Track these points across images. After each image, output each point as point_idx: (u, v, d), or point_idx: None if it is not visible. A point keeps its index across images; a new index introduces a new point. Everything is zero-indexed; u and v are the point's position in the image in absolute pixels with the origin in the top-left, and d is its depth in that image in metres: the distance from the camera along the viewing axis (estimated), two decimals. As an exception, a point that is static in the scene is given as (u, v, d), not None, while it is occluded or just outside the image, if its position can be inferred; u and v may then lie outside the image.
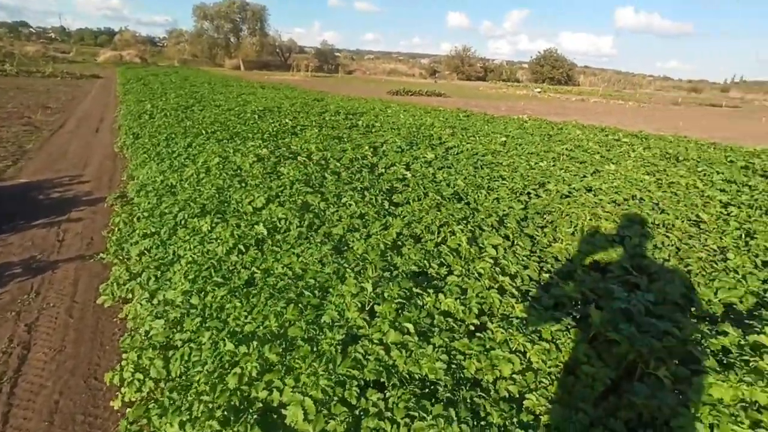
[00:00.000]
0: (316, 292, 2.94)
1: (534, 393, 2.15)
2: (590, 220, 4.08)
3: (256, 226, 3.95)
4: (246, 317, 2.83)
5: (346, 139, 7.79)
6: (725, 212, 4.64)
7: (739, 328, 2.50)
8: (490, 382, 2.25)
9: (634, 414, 2.08)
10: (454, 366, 2.32)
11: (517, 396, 2.16)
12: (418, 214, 4.09)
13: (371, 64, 74.80)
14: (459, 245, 3.41)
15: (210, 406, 2.10)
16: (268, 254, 3.59)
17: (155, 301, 3.41)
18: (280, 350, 2.43)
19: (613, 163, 6.58)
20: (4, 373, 2.90)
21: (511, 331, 2.45)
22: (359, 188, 4.89)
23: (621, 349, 2.34)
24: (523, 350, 2.37)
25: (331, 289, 2.89)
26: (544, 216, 4.21)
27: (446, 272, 3.15)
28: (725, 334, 2.45)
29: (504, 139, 8.37)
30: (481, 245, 3.41)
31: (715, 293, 3.02)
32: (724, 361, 2.29)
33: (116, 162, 8.33)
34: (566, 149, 7.51)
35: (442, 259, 3.27)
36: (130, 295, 3.74)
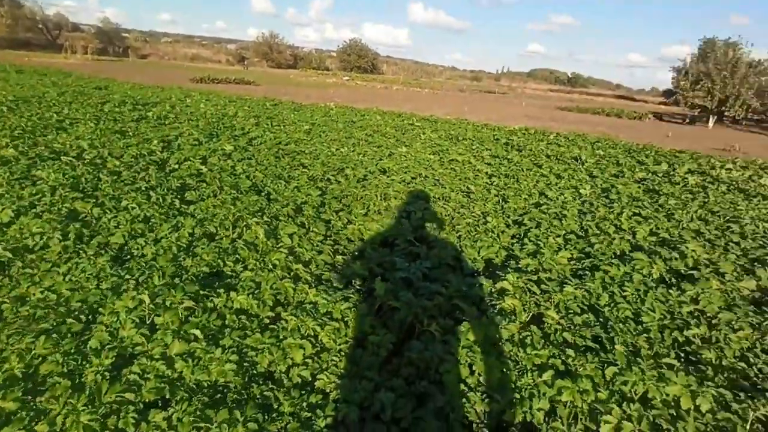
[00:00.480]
0: (82, 315, 2.52)
1: (325, 372, 2.22)
2: (382, 200, 4.41)
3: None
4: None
5: (131, 134, 6.85)
6: (489, 182, 5.55)
7: (491, 279, 3.03)
8: (283, 372, 2.24)
9: (413, 369, 2.34)
10: (246, 364, 2.25)
11: (310, 379, 2.21)
12: (212, 211, 3.84)
13: (169, 48, 67.21)
14: (256, 238, 3.32)
15: None
16: (21, 279, 2.92)
17: None
18: (20, 395, 2.00)
19: (405, 146, 7.26)
20: None
21: (302, 317, 2.49)
22: (143, 188, 4.35)
23: (401, 314, 2.59)
24: (314, 334, 2.43)
25: (101, 309, 2.51)
26: (341, 200, 4.40)
27: (242, 268, 3.03)
28: (481, 285, 2.93)
29: (308, 127, 8.46)
30: (278, 236, 3.37)
31: (478, 252, 3.59)
32: (480, 308, 2.74)
33: None
34: (366, 134, 7.99)
35: (237, 255, 3.14)
36: None
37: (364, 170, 5.42)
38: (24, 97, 9.85)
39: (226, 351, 2.25)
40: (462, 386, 2.22)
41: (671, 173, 7.21)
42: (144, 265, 3.05)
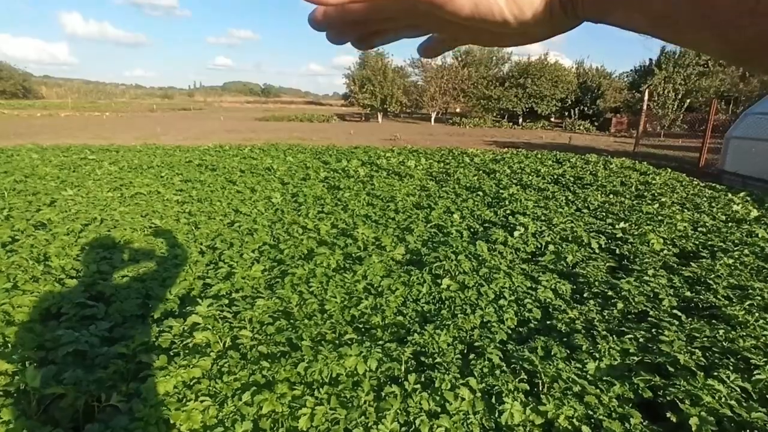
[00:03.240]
0: None
1: None
2: (39, 263, 3.59)
3: None
4: None
5: None
6: (181, 210, 5.26)
7: (181, 317, 2.88)
8: None
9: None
10: None
11: None
12: None
13: None
14: None
15: None
16: None
17: None
18: None
19: (74, 188, 6.11)
20: None
21: None
22: None
23: (68, 399, 2.17)
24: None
25: None
26: (-28, 279, 3.36)
27: None
28: (171, 327, 2.75)
29: None
30: None
31: (170, 291, 3.35)
32: (170, 353, 2.57)
33: None
34: (13, 181, 6.34)
35: None
36: None
37: (10, 231, 4.29)
38: None
39: None
40: (159, 448, 2.03)
41: (347, 168, 8.48)
42: None
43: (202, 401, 2.25)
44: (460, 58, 37.40)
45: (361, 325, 3.02)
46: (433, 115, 35.04)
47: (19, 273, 3.38)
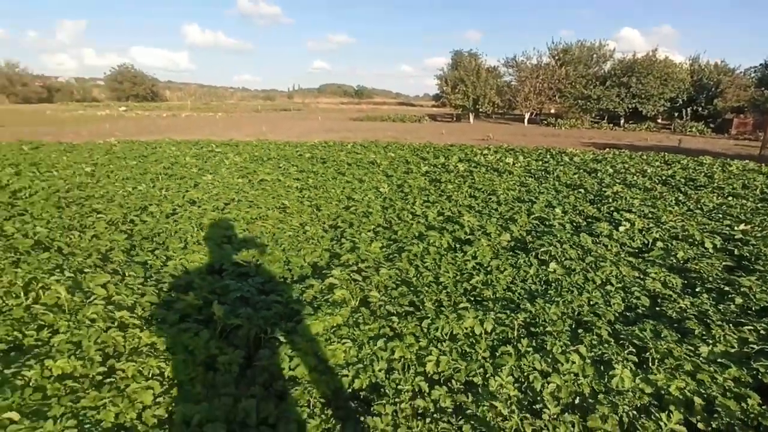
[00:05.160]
0: None
1: (182, 404, 2.23)
2: (199, 230, 4.35)
3: None
4: None
5: None
6: (301, 195, 5.92)
7: (319, 279, 3.37)
8: (134, 419, 2.17)
9: (268, 374, 2.51)
10: (88, 425, 2.10)
11: (167, 415, 2.20)
12: (-13, 282, 3.24)
13: None
14: (59, 298, 2.97)
15: None
16: None
17: None
18: None
19: (210, 173, 7.11)
20: None
21: (141, 360, 2.42)
22: None
23: (244, 329, 2.73)
24: (160, 372, 2.40)
25: None
26: (153, 239, 4.19)
27: (49, 334, 2.70)
28: (311, 286, 3.25)
29: (90, 168, 7.52)
30: (86, 290, 3.08)
31: (304, 259, 3.90)
32: (315, 305, 3.06)
33: None
34: (164, 168, 7.51)
35: (40, 321, 2.77)
36: None
37: (171, 205, 5.19)
38: None
39: (59, 420, 2.06)
40: (314, 373, 2.50)
41: (447, 164, 8.77)
42: None
43: (343, 343, 2.69)
44: (557, 57, 35.85)
45: (472, 298, 3.31)
46: (527, 116, 34.05)
47: (188, 236, 4.14)
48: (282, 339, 2.68)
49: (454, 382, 2.46)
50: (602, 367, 2.51)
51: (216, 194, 5.77)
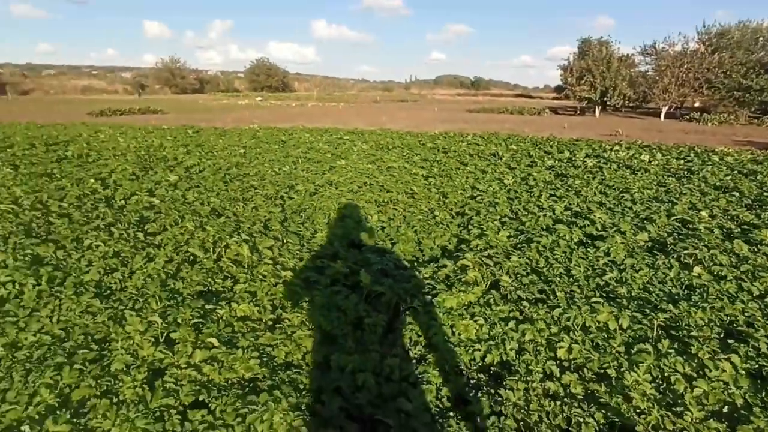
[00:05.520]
0: (92, 345, 2.68)
1: (337, 353, 2.62)
2: (340, 208, 4.84)
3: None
4: (-4, 409, 2.36)
5: (59, 175, 6.61)
6: (427, 183, 6.19)
7: (451, 260, 3.59)
8: (300, 359, 2.61)
9: (407, 339, 2.81)
10: (265, 358, 2.58)
11: (322, 360, 2.60)
12: (182, 238, 4.03)
13: (54, 81, 61.83)
14: (237, 255, 3.60)
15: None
16: (6, 327, 2.96)
17: None
18: (68, 418, 2.19)
19: (343, 159, 7.73)
20: None
21: (304, 313, 2.86)
22: (102, 226, 4.39)
23: (387, 297, 3.06)
24: (318, 324, 2.82)
25: (114, 334, 2.69)
26: (301, 213, 4.77)
27: (231, 283, 3.31)
28: (445, 266, 3.48)
29: (242, 150, 8.63)
30: (258, 251, 3.68)
31: (434, 241, 4.15)
32: (448, 283, 3.28)
33: None
34: (302, 152, 8.33)
35: (225, 273, 3.41)
36: None
37: (313, 185, 5.81)
38: None
39: (246, 350, 2.57)
40: (448, 344, 2.73)
41: (573, 159, 8.39)
42: (135, 293, 3.22)
43: (476, 320, 2.88)
44: (707, 42, 31.27)
45: (605, 293, 3.26)
46: (664, 110, 30.42)
47: (330, 213, 4.64)
48: (420, 309, 2.95)
49: (585, 370, 2.50)
50: (760, 382, 2.36)
51: (350, 178, 6.30)
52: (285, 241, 3.93)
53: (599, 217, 4.57)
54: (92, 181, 6.08)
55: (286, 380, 2.41)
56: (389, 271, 3.45)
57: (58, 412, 2.20)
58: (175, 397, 2.28)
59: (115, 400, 2.30)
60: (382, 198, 5.27)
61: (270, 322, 2.92)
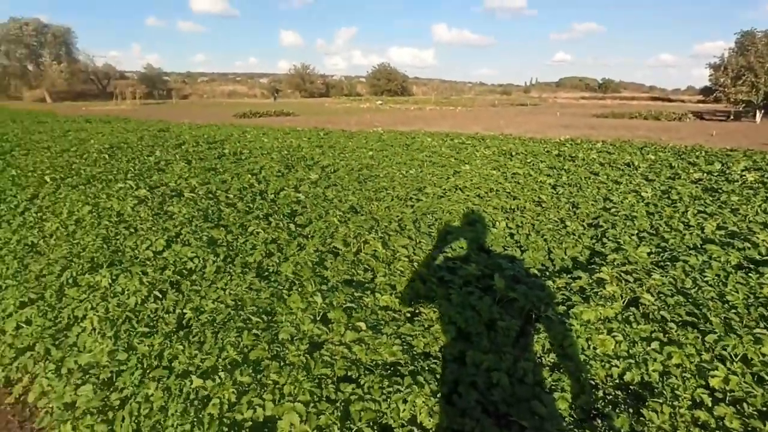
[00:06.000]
0: (263, 317, 3.18)
1: (471, 350, 2.79)
2: (469, 212, 4.99)
3: (165, 271, 3.93)
4: (195, 356, 2.94)
5: (221, 170, 7.75)
6: (555, 192, 6.04)
7: (586, 272, 3.53)
8: (437, 351, 2.82)
9: (540, 346, 2.86)
10: (406, 347, 2.84)
11: (458, 355, 2.78)
12: (327, 231, 4.52)
13: (207, 87, 71.41)
14: (375, 251, 3.95)
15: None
16: (191, 294, 3.64)
17: (64, 371, 3.18)
18: (250, 372, 2.66)
19: (466, 164, 7.85)
20: None
21: (441, 310, 3.07)
22: (261, 216, 5.10)
23: (520, 303, 3.14)
24: (454, 321, 3.01)
25: (279, 309, 3.17)
26: (430, 215, 5.01)
27: (371, 276, 3.66)
28: (579, 278, 3.44)
29: (371, 152, 9.20)
30: (393, 248, 4.00)
31: (565, 252, 4.10)
32: (584, 295, 3.24)
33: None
34: (426, 156, 8.63)
35: (365, 266, 3.77)
36: (19, 375, 3.37)
37: (440, 189, 6.04)
38: (114, 143, 11.09)
39: (390, 337, 2.86)
40: (583, 356, 2.73)
41: (726, 171, 7.47)
42: (291, 276, 3.72)
43: (614, 336, 2.82)
44: None
45: (770, 326, 2.94)
46: None
47: (460, 216, 4.81)
48: (554, 318, 2.98)
49: (746, 405, 2.33)
50: None
51: (475, 183, 6.41)
52: (418, 241, 4.19)
53: (764, 240, 4.08)
54: (249, 176, 7.02)
55: (426, 368, 2.64)
56: (521, 278, 3.51)
57: (241, 367, 2.69)
58: (331, 369, 2.64)
59: (282, 363, 2.73)
60: (509, 205, 5.29)
61: (408, 314, 3.18)
